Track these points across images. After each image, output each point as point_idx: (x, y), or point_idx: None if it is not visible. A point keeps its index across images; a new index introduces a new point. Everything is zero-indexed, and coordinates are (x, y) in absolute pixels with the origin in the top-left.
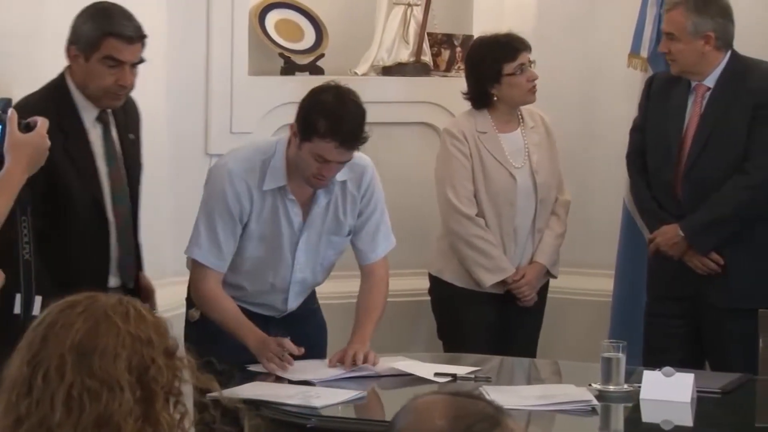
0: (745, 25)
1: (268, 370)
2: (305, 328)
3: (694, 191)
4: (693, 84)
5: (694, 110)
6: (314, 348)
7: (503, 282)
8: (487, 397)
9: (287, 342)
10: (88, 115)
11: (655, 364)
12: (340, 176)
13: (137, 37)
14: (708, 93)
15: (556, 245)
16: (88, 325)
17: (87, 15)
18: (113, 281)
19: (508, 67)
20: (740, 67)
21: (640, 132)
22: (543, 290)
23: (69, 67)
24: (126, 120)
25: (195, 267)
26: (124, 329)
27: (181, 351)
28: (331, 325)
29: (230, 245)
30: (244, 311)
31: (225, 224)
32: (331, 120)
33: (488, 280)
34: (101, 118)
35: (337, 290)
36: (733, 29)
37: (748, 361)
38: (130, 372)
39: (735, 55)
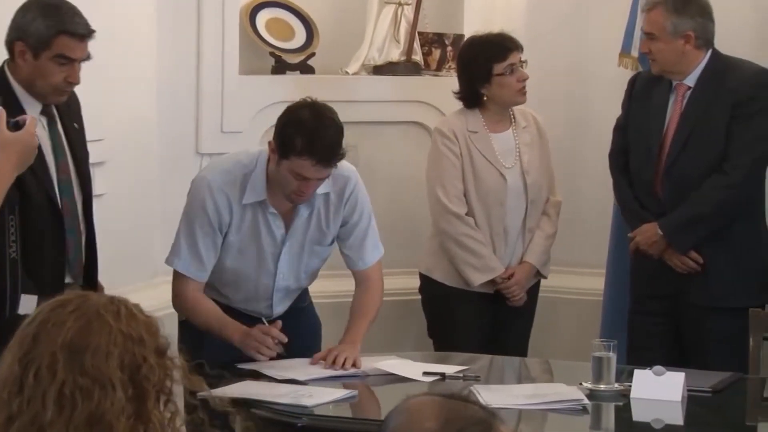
0: (732, 25)
1: (258, 359)
2: (297, 327)
3: (674, 190)
4: (674, 83)
5: (675, 109)
6: (308, 345)
7: (493, 281)
8: (480, 400)
9: (272, 329)
10: (32, 109)
11: (637, 362)
12: (321, 189)
13: (88, 33)
14: (689, 92)
15: (547, 245)
16: (79, 324)
17: (36, 11)
18: (68, 278)
19: (498, 67)
20: (721, 66)
21: (622, 131)
22: (534, 290)
23: (9, 62)
24: (68, 110)
25: (176, 277)
26: (116, 327)
27: (173, 351)
28: (323, 324)
29: (211, 256)
30: (234, 312)
31: (205, 235)
32: (308, 138)
33: (477, 279)
34: (46, 111)
35: (328, 289)
36: (713, 28)
37: (729, 360)
38: (122, 370)
39: (716, 54)
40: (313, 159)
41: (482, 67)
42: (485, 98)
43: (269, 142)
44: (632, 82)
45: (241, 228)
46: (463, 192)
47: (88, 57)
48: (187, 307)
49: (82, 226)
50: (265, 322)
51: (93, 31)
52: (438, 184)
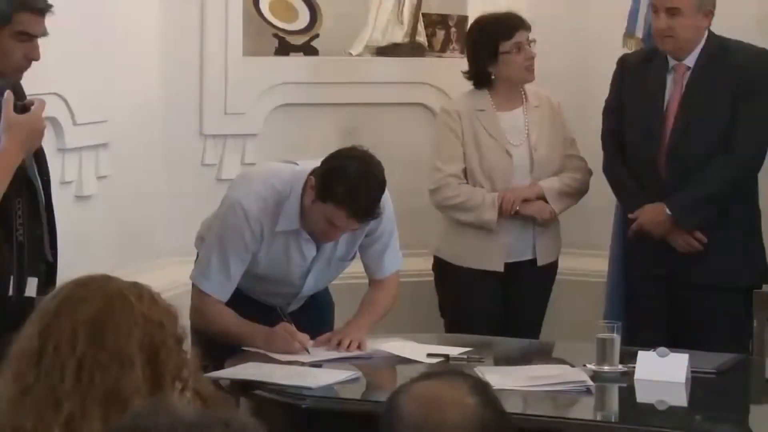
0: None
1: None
2: (310, 307)
3: (678, 170)
4: (672, 63)
5: (675, 89)
6: (321, 326)
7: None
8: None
9: (297, 333)
10: None
11: (634, 343)
12: None
13: (47, 8)
14: (688, 72)
15: (556, 188)
16: (103, 301)
17: None
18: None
19: (504, 45)
20: (719, 47)
21: (614, 112)
22: (550, 272)
23: None
24: (20, 89)
25: (199, 294)
26: (138, 309)
27: (187, 344)
28: (336, 305)
29: (239, 275)
30: (248, 300)
31: (238, 258)
32: (350, 191)
33: (491, 216)
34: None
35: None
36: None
37: (728, 339)
38: (141, 350)
39: (711, 35)
40: (349, 212)
41: (489, 46)
42: (493, 77)
43: (310, 177)
44: (621, 63)
45: (270, 251)
46: (462, 169)
47: (45, 33)
48: (208, 321)
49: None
50: (283, 313)
51: (51, 6)
52: (432, 161)
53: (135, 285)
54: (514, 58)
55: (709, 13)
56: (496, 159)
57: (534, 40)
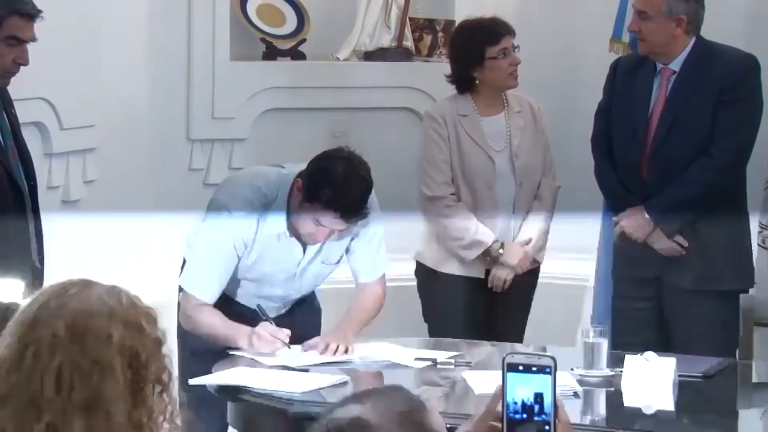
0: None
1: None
2: (297, 313)
3: (660, 173)
4: (659, 67)
5: (660, 93)
6: (308, 330)
7: (488, 253)
8: (472, 386)
9: (279, 332)
10: None
11: (620, 347)
12: None
13: (36, 13)
14: (673, 76)
15: (539, 228)
16: (81, 306)
17: None
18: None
19: (491, 51)
20: (706, 52)
21: (605, 115)
22: (532, 277)
23: None
24: (5, 95)
25: (187, 297)
26: (117, 313)
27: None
28: (324, 310)
29: (226, 278)
30: (233, 303)
31: (225, 262)
32: (336, 192)
33: (468, 255)
34: None
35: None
36: (703, 14)
37: (714, 343)
38: (121, 355)
39: (700, 40)
40: (336, 213)
41: (475, 51)
42: (477, 82)
43: (296, 179)
44: (614, 67)
45: (257, 254)
46: (450, 178)
47: (34, 38)
48: (195, 324)
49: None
50: (264, 314)
51: (40, 11)
52: (424, 169)
53: (114, 288)
54: (500, 64)
55: (682, 21)
56: (479, 164)
57: (518, 46)
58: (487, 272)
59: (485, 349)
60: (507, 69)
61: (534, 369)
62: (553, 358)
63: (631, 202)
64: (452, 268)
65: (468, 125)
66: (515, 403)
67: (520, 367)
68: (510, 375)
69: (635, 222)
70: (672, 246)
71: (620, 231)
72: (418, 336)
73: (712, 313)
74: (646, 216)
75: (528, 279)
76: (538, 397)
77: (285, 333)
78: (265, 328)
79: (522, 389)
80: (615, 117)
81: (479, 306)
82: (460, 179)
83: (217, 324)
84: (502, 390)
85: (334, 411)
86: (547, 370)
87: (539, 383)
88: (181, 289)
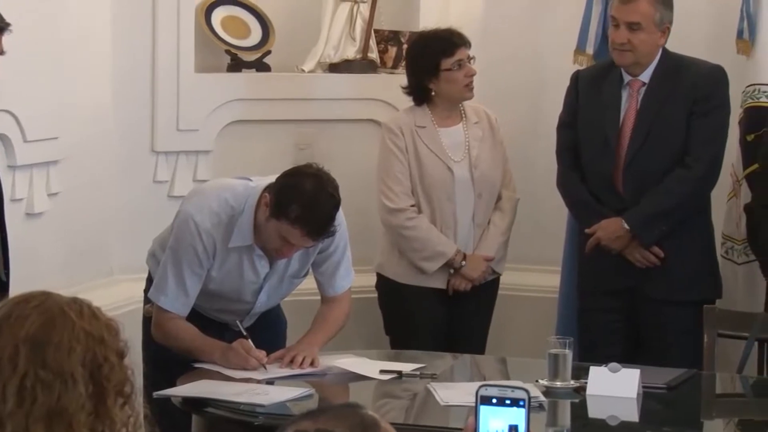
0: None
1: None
2: (262, 325)
3: (636, 185)
4: (626, 79)
5: (630, 105)
6: (272, 343)
7: (449, 265)
8: (437, 397)
9: (253, 350)
10: None
11: (592, 359)
12: None
13: (5, 26)
14: (643, 88)
15: (500, 241)
16: (43, 318)
17: None
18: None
19: (446, 62)
20: (673, 63)
21: (569, 128)
22: (492, 288)
23: None
24: None
25: (159, 310)
26: (78, 325)
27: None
28: (289, 322)
29: (196, 292)
30: (204, 319)
31: (193, 274)
32: (304, 209)
33: (430, 267)
34: None
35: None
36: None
37: (686, 354)
38: (83, 367)
39: (665, 51)
40: (304, 230)
41: (430, 62)
42: (433, 93)
43: (264, 194)
44: (575, 78)
45: (223, 267)
46: (410, 188)
47: (2, 51)
48: (168, 337)
49: None
50: (241, 326)
51: (9, 24)
52: (383, 180)
53: (75, 300)
54: (455, 76)
55: (666, 30)
56: (438, 175)
57: (474, 58)
58: (450, 283)
59: (447, 361)
60: (462, 80)
61: (507, 402)
62: (527, 391)
63: (605, 214)
64: (413, 279)
65: (426, 136)
66: None
67: (494, 400)
68: (483, 408)
69: (612, 233)
70: (648, 257)
71: (595, 242)
72: (378, 348)
73: (682, 323)
74: (625, 227)
75: (489, 290)
76: (513, 429)
77: (261, 353)
78: (242, 345)
79: (496, 421)
80: (583, 129)
81: (440, 317)
82: (419, 190)
83: (189, 338)
84: (475, 421)
85: (286, 429)
86: (521, 403)
87: (513, 416)
88: (147, 301)
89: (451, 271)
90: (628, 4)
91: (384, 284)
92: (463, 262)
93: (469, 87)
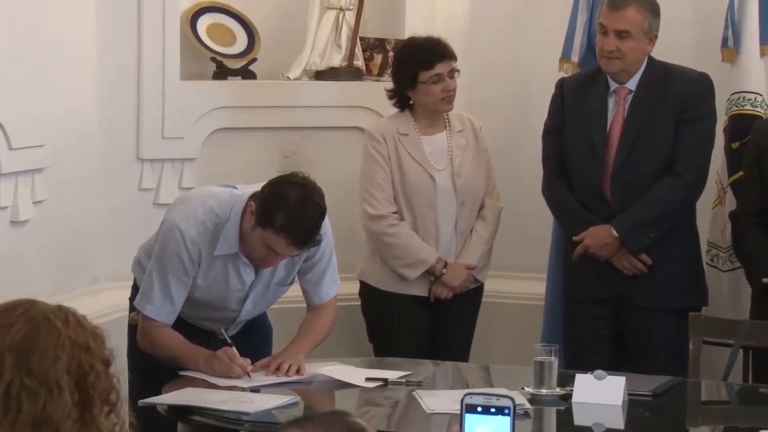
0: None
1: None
2: (248, 333)
3: (624, 192)
4: (613, 87)
5: (617, 112)
6: (258, 351)
7: (431, 272)
8: (423, 405)
9: (237, 358)
10: None
11: (575, 366)
12: None
13: None
14: (630, 96)
15: (483, 250)
16: (28, 327)
17: None
18: None
19: (423, 76)
20: (659, 71)
21: (555, 135)
22: (476, 295)
23: None
24: None
25: (144, 318)
26: (64, 333)
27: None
28: (275, 330)
29: (181, 300)
30: (190, 327)
31: (179, 282)
32: (289, 218)
33: (410, 274)
34: None
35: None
36: None
37: (673, 361)
38: (69, 375)
39: (651, 59)
40: (289, 239)
41: (408, 74)
42: (411, 102)
43: (250, 202)
44: (560, 86)
45: (209, 275)
46: (392, 195)
47: None
48: (153, 345)
49: None
50: (225, 334)
51: None
52: (364, 187)
53: (60, 308)
54: (432, 89)
55: (654, 38)
56: (420, 183)
57: (458, 71)
58: (431, 291)
59: (428, 368)
60: (439, 95)
61: (492, 410)
62: (512, 399)
63: (593, 221)
64: (395, 286)
65: (408, 144)
66: None
67: (479, 408)
68: (468, 416)
69: (601, 240)
70: (635, 264)
71: (583, 249)
72: (361, 356)
73: (669, 330)
74: (614, 234)
75: (471, 299)
76: None
77: (246, 361)
78: (227, 353)
79: (481, 429)
80: (570, 136)
81: (423, 325)
82: (401, 198)
83: (175, 346)
84: (460, 429)
85: None
86: (506, 411)
87: (498, 424)
88: (132, 309)
89: (432, 278)
90: (618, 12)
91: (366, 291)
92: (444, 270)
93: (446, 100)
